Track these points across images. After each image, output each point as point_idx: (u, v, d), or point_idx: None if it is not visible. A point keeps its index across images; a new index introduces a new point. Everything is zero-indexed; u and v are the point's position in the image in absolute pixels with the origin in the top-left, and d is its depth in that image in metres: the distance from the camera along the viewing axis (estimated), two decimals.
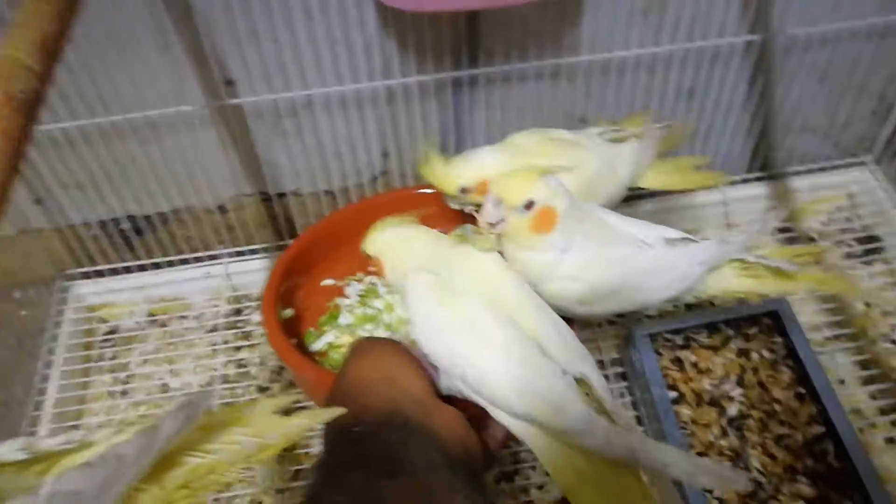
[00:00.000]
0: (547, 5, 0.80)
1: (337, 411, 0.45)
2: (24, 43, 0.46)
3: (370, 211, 0.77)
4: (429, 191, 0.79)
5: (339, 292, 0.82)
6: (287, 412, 0.44)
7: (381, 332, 0.75)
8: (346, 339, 0.77)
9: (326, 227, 0.83)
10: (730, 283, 0.67)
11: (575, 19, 0.84)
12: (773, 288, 0.67)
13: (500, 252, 0.61)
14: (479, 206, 0.61)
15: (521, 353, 0.53)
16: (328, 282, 0.82)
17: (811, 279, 0.68)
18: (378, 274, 0.67)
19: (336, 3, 0.78)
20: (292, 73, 0.84)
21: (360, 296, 0.80)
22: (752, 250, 0.68)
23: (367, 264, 0.71)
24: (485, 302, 0.55)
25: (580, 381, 0.54)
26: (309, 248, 0.81)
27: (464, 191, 0.68)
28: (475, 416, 0.53)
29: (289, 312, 0.77)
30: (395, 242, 0.63)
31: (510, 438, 0.55)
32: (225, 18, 0.78)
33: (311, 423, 0.44)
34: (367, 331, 0.77)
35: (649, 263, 0.63)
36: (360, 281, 0.82)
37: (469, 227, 0.69)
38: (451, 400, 0.53)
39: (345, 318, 0.79)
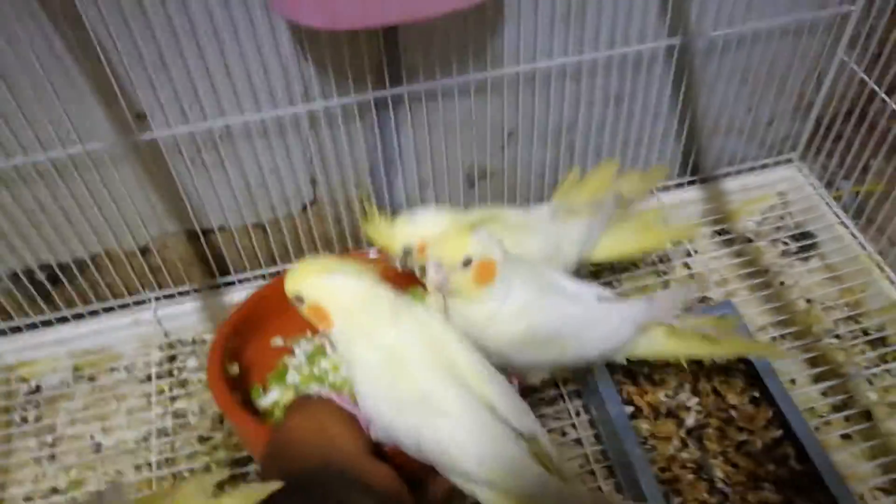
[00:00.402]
0: (466, 17, 0.78)
1: (273, 485, 0.42)
2: None
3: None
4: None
5: (288, 351, 0.80)
6: (220, 485, 0.41)
7: (326, 392, 0.72)
8: (291, 398, 0.74)
9: (277, 286, 0.79)
10: (658, 344, 0.71)
11: (496, 30, 0.83)
12: (701, 351, 0.72)
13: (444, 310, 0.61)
14: (422, 267, 0.62)
15: (478, 421, 0.52)
16: (277, 341, 0.80)
17: (737, 346, 0.74)
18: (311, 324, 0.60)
19: (246, 25, 0.75)
20: (207, 102, 0.80)
21: (307, 356, 0.79)
22: (677, 315, 0.71)
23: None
24: (436, 368, 0.54)
25: (529, 440, 0.53)
26: (258, 306, 0.79)
27: (407, 252, 0.67)
28: (414, 470, 0.52)
29: (235, 369, 0.75)
30: (344, 293, 0.56)
31: (452, 496, 0.54)
32: (129, 47, 0.74)
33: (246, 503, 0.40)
34: (312, 390, 0.73)
35: (583, 314, 0.66)
36: (308, 341, 0.80)
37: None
38: (388, 454, 0.55)
39: (292, 377, 0.77)
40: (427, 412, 0.52)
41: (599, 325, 0.67)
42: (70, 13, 0.69)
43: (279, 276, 0.77)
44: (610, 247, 0.83)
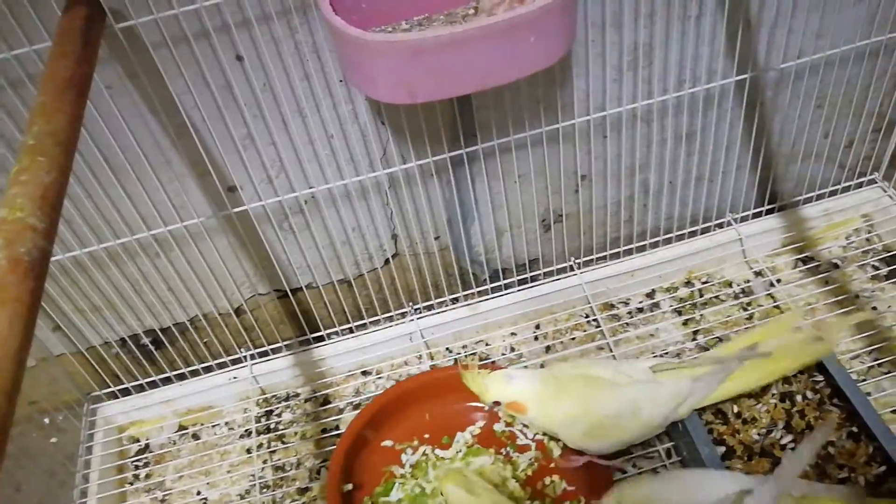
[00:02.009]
0: (536, 75, 0.80)
1: None
2: (24, 201, 0.46)
3: (434, 382, 0.90)
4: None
5: (396, 457, 0.86)
6: None
7: None
8: None
9: (395, 393, 0.89)
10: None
11: (565, 82, 0.84)
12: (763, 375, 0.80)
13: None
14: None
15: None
16: (387, 443, 0.88)
17: (787, 360, 0.79)
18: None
19: (327, 101, 0.79)
20: (293, 172, 0.85)
21: (411, 466, 0.85)
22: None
23: (422, 431, 0.87)
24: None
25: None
26: (377, 413, 0.88)
27: (496, 404, 0.78)
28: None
29: (349, 487, 0.83)
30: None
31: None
32: (220, 128, 0.79)
33: None
34: None
35: (634, 398, 0.76)
36: (414, 449, 0.87)
37: None
38: None
39: (396, 494, 0.83)
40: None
41: (652, 403, 0.76)
42: (166, 101, 0.74)
43: (395, 386, 0.90)
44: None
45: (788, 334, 0.81)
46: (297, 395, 0.99)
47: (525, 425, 0.86)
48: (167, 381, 1.00)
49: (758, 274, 1.01)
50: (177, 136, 0.77)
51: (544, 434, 0.85)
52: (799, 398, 0.81)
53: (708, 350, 0.82)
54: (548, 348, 0.99)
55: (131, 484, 0.95)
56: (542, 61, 0.64)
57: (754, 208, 1.05)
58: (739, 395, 0.80)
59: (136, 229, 0.84)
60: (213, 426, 0.99)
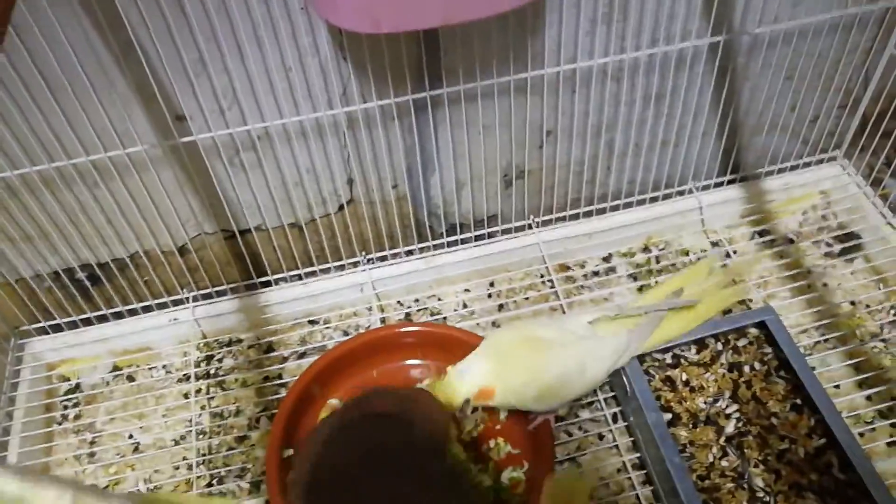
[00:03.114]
0: (507, 19, 0.77)
1: None
2: None
3: (383, 339, 0.87)
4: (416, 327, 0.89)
5: None
6: None
7: None
8: None
9: (344, 348, 0.86)
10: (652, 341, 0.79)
11: (536, 31, 0.81)
12: (692, 324, 0.80)
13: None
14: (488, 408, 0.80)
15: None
16: (333, 401, 0.85)
17: (719, 300, 0.80)
18: None
19: (287, 29, 0.75)
20: (246, 105, 0.80)
21: None
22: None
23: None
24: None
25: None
26: (324, 368, 0.84)
27: (466, 402, 0.75)
28: None
29: (290, 452, 0.79)
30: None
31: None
32: (170, 51, 0.74)
33: None
34: None
35: (578, 356, 0.75)
36: None
37: None
38: None
39: None
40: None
41: (596, 360, 0.76)
42: (111, 15, 0.69)
43: (344, 342, 0.87)
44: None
45: (706, 279, 0.81)
46: (241, 340, 0.96)
47: None
48: (103, 319, 0.95)
49: (714, 244, 1.01)
50: (122, 54, 0.72)
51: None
52: (747, 369, 0.81)
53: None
54: (501, 306, 0.97)
55: (59, 424, 0.91)
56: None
57: (716, 177, 1.04)
58: (667, 340, 0.80)
59: (74, 154, 0.78)
60: (150, 368, 0.95)
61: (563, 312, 0.93)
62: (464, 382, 0.74)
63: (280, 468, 0.76)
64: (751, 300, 0.94)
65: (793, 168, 1.05)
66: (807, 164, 1.06)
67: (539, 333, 0.76)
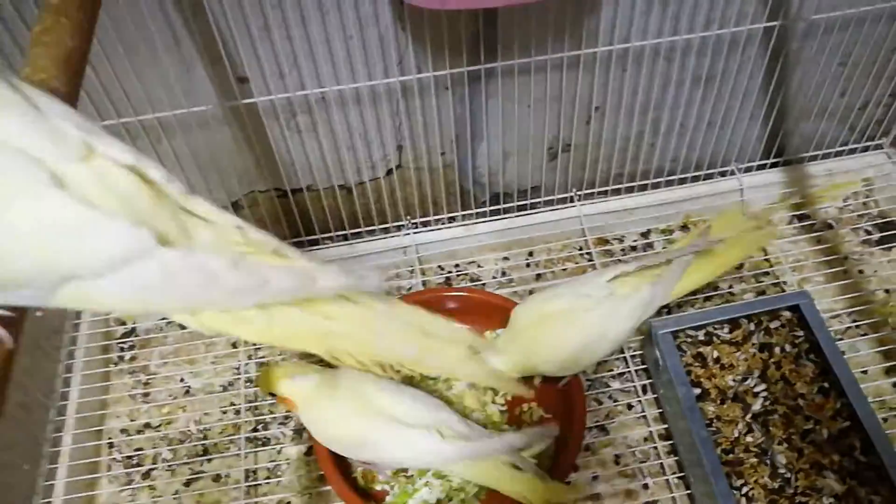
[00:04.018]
0: None
1: None
2: (47, 63, 0.45)
3: (428, 300, 0.89)
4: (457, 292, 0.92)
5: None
6: None
7: None
8: None
9: None
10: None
11: (593, 10, 0.82)
12: (718, 270, 0.80)
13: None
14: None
15: (400, 437, 0.72)
16: None
17: (734, 251, 0.80)
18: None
19: (351, 0, 0.77)
20: (306, 70, 0.82)
21: None
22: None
23: None
24: (365, 413, 0.74)
25: (439, 428, 0.73)
26: None
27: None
28: None
29: None
30: (304, 389, 0.74)
31: None
32: (236, 15, 0.76)
33: None
34: None
35: (597, 322, 0.77)
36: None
37: None
38: None
39: None
40: (370, 448, 0.73)
41: (618, 321, 0.77)
42: None
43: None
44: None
45: (733, 227, 0.81)
46: None
47: None
48: None
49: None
50: (192, 15, 0.75)
51: None
52: (777, 350, 0.83)
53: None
54: (538, 276, 1.00)
55: (115, 365, 0.96)
56: None
57: (759, 160, 1.05)
58: (694, 288, 0.80)
59: (141, 111, 0.82)
60: None
61: None
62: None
63: None
64: (785, 283, 0.96)
65: (837, 154, 1.05)
66: (852, 151, 1.06)
67: (555, 306, 0.78)
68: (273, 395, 0.75)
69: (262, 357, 0.94)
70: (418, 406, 0.74)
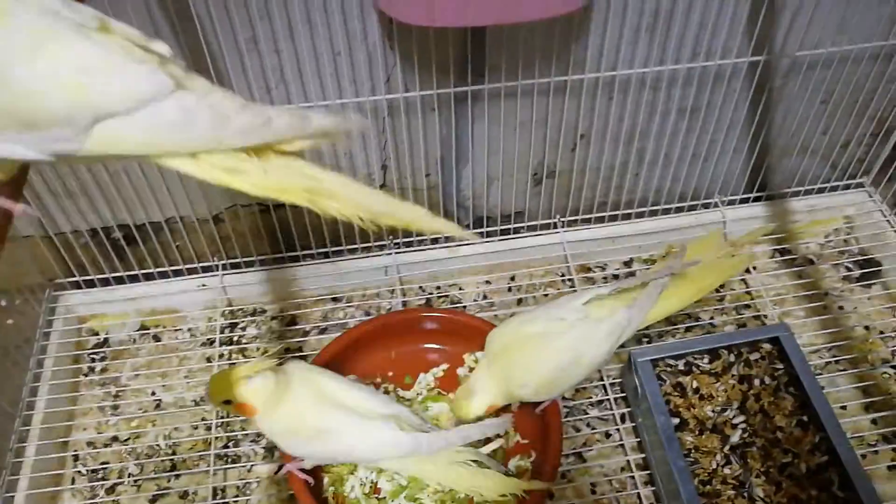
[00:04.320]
0: (554, 23, 0.79)
1: None
2: None
3: (404, 321, 0.89)
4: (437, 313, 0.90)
5: None
6: None
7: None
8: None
9: (368, 327, 0.87)
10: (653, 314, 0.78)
11: (581, 37, 0.83)
12: (696, 295, 0.79)
13: None
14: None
15: (358, 429, 0.72)
16: (351, 377, 0.83)
17: (724, 271, 0.81)
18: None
19: (339, 15, 0.77)
20: (293, 85, 0.82)
21: None
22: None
23: (387, 368, 0.87)
24: (324, 406, 0.72)
25: (395, 419, 0.73)
26: (347, 345, 0.86)
27: (479, 418, 0.78)
28: None
29: None
30: (261, 390, 0.70)
31: None
32: (224, 26, 0.76)
33: None
34: None
35: (571, 345, 0.76)
36: (377, 386, 0.86)
37: None
38: None
39: None
40: (328, 439, 0.71)
41: (592, 345, 0.76)
42: None
43: (367, 321, 0.88)
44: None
45: (710, 252, 0.82)
46: (265, 311, 0.99)
47: None
48: (134, 279, 0.98)
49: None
50: (179, 23, 0.74)
51: None
52: (757, 382, 0.83)
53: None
54: (519, 301, 0.99)
55: (86, 375, 0.94)
56: (566, 4, 0.63)
57: (742, 193, 1.06)
58: (670, 313, 0.79)
59: None
60: (176, 330, 0.98)
61: None
62: (473, 404, 0.77)
63: None
64: (766, 316, 0.96)
65: (819, 191, 1.06)
66: (833, 189, 1.07)
67: (529, 330, 0.77)
68: (227, 402, 0.69)
69: None
70: (374, 399, 0.74)
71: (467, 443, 0.75)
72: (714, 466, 0.78)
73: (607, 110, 0.92)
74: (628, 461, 0.84)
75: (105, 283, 0.97)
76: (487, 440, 0.79)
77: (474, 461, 0.75)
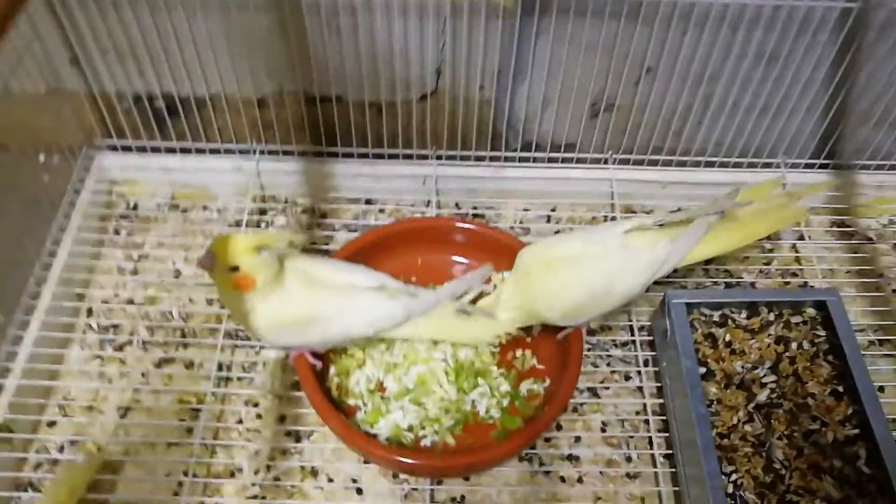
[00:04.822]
0: None
1: None
2: None
3: (438, 228, 0.87)
4: (469, 224, 0.87)
5: None
6: None
7: (386, 358, 0.79)
8: (357, 353, 0.79)
9: (397, 228, 0.86)
10: (697, 254, 0.75)
11: None
12: (744, 241, 0.76)
13: None
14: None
15: (351, 303, 0.72)
16: None
17: (762, 223, 0.76)
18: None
19: None
20: None
21: None
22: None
23: (410, 272, 0.84)
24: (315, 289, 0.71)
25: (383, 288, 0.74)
26: (374, 242, 0.85)
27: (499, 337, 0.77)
28: None
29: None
30: (267, 265, 0.67)
31: None
32: None
33: None
34: (378, 351, 0.79)
35: (605, 272, 0.73)
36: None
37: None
38: None
39: None
40: (321, 326, 0.70)
41: (627, 275, 0.73)
42: None
43: (398, 222, 0.89)
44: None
45: (764, 199, 0.77)
46: (297, 203, 0.97)
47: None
48: (171, 151, 0.96)
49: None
50: None
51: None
52: (794, 345, 0.78)
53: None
54: (557, 231, 0.95)
55: (111, 237, 0.93)
56: None
57: (808, 158, 1.00)
58: (714, 257, 0.76)
59: None
60: (205, 208, 0.96)
61: None
62: (497, 323, 0.75)
63: None
64: (812, 287, 0.91)
65: (892, 168, 1.00)
66: None
67: (563, 251, 0.74)
68: (235, 269, 0.65)
69: None
70: (362, 273, 0.74)
71: (455, 297, 0.77)
72: (735, 422, 0.74)
73: (679, 44, 0.86)
74: (645, 405, 0.81)
75: (142, 150, 0.96)
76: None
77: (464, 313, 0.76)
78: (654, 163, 0.98)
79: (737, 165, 0.99)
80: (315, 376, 0.73)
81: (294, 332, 0.71)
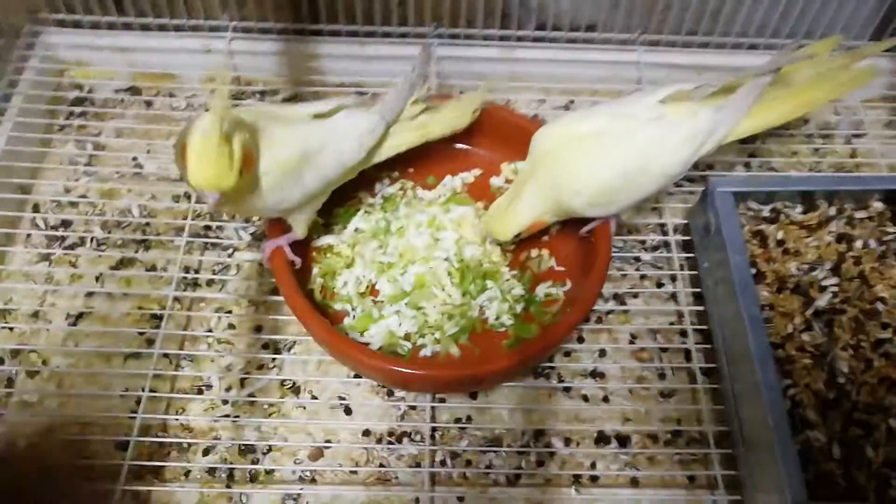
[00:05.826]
0: None
1: None
2: None
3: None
4: None
5: (370, 183, 0.74)
6: None
7: (379, 257, 0.68)
8: (345, 251, 0.68)
9: None
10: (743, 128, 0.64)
11: None
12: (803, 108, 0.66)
13: None
14: None
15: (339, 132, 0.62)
16: None
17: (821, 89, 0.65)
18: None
19: None
20: None
21: (383, 198, 0.73)
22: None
23: (409, 162, 0.72)
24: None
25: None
26: None
27: (517, 235, 0.66)
28: None
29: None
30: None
31: None
32: None
33: None
34: (369, 249, 0.68)
35: (637, 149, 0.62)
36: (392, 180, 0.74)
37: None
38: None
39: (357, 223, 0.70)
40: (314, 159, 0.59)
41: (664, 151, 0.61)
42: None
43: None
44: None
45: (823, 62, 0.66)
46: (276, 91, 0.84)
47: None
48: (128, 27, 0.83)
49: (837, 115, 0.85)
50: None
51: None
52: (859, 244, 0.67)
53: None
54: None
55: (61, 129, 0.81)
56: None
57: (867, 40, 0.86)
58: (769, 128, 0.65)
59: None
60: (171, 95, 0.84)
61: None
62: (511, 220, 0.64)
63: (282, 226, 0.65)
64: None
65: None
66: None
67: (587, 127, 0.63)
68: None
69: None
70: (321, 103, 0.63)
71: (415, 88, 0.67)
72: (790, 330, 0.63)
73: None
74: (680, 314, 0.70)
75: (95, 26, 0.83)
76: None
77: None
78: (687, 45, 0.85)
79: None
80: (294, 274, 0.61)
81: (296, 182, 0.59)
